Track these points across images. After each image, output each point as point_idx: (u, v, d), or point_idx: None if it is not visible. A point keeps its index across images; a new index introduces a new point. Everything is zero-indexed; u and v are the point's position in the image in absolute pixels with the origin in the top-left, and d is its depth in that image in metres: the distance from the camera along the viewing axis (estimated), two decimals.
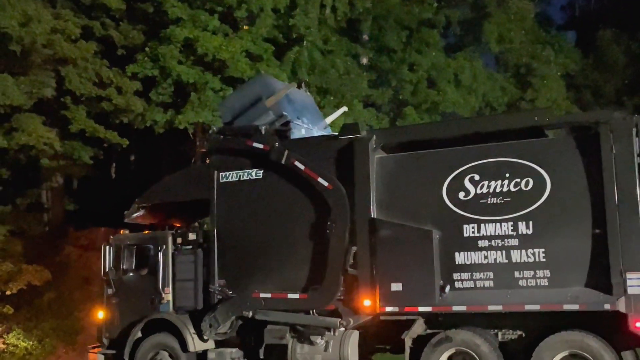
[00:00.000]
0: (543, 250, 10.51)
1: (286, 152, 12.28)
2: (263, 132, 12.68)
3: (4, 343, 19.43)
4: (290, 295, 12.12)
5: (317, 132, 13.93)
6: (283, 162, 12.32)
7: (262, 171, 12.71)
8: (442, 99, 24.87)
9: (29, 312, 20.45)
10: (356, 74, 24.41)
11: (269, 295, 12.28)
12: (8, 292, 19.47)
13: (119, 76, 21.10)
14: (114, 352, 13.53)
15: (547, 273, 10.47)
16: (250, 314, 12.33)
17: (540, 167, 10.68)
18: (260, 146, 12.57)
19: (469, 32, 28.65)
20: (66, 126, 21.20)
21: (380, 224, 11.48)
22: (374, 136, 11.94)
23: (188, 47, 21.06)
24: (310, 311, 12.03)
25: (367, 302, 11.46)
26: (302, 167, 12.24)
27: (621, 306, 9.91)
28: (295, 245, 12.26)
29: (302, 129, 13.43)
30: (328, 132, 14.46)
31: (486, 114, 25.90)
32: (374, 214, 11.59)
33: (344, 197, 11.77)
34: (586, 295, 10.15)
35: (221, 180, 13.05)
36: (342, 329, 11.82)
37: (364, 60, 26.25)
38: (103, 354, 13.70)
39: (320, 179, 12.03)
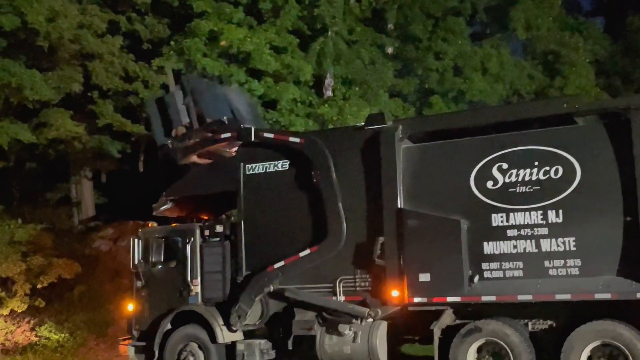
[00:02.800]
0: (573, 239, 10.40)
1: (252, 129, 12.93)
2: (226, 122, 13.31)
3: (36, 336, 19.69)
4: (302, 254, 12.21)
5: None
6: (253, 139, 12.91)
7: (288, 163, 12.75)
8: (469, 87, 24.60)
9: (60, 305, 20.70)
10: (381, 63, 24.28)
11: (282, 263, 12.35)
12: (39, 286, 19.72)
13: (145, 70, 21.23)
14: (144, 344, 13.64)
15: (578, 262, 10.36)
16: (272, 287, 12.39)
17: (570, 154, 10.56)
18: (228, 135, 13.13)
19: (495, 19, 28.30)
20: (94, 120, 21.41)
21: (408, 215, 11.43)
22: (400, 126, 11.89)
23: (213, 40, 21.11)
24: (338, 296, 12.02)
25: (395, 293, 11.44)
26: (271, 135, 13.00)
27: None
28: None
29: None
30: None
31: (514, 102, 25.62)
32: (401, 204, 11.55)
33: (318, 144, 12.25)
34: (618, 284, 10.03)
35: (247, 173, 13.10)
36: (371, 319, 11.79)
37: (390, 50, 26.09)
38: (133, 346, 13.82)
39: (291, 138, 12.63)
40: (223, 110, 13.73)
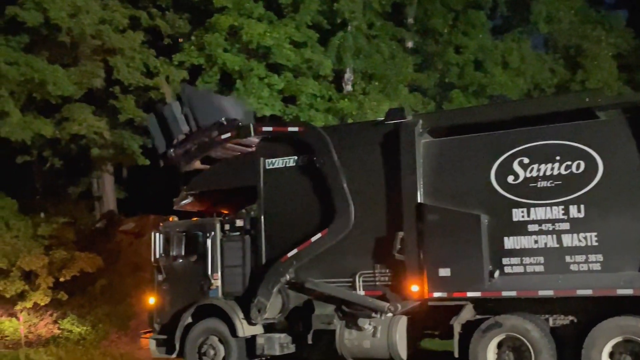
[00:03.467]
0: (595, 234, 10.31)
1: (251, 125, 13.23)
2: (225, 122, 13.53)
3: (58, 328, 19.92)
4: (313, 239, 12.24)
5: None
6: (253, 134, 13.13)
7: (307, 157, 12.76)
8: (490, 81, 24.45)
9: (82, 299, 20.90)
10: (401, 58, 24.19)
11: (295, 250, 12.40)
12: (62, 279, 19.93)
13: (166, 65, 21.33)
14: (165, 337, 13.73)
15: (600, 257, 10.28)
16: (288, 277, 12.45)
17: (592, 149, 10.46)
18: (228, 135, 13.31)
19: (516, 12, 28.05)
20: (115, 116, 21.53)
21: (428, 209, 11.41)
22: (420, 120, 11.85)
23: (233, 35, 21.15)
24: (358, 290, 12.03)
25: (414, 288, 11.43)
26: (270, 128, 13.33)
27: None
28: None
29: None
30: None
31: (535, 96, 25.41)
32: (421, 199, 11.51)
33: (318, 131, 12.52)
34: None
35: (267, 167, 13.13)
36: (390, 314, 11.79)
37: (409, 44, 25.99)
38: (154, 339, 13.92)
39: (290, 128, 12.94)
40: (219, 119, 13.85)
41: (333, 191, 12.23)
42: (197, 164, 13.96)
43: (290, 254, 12.45)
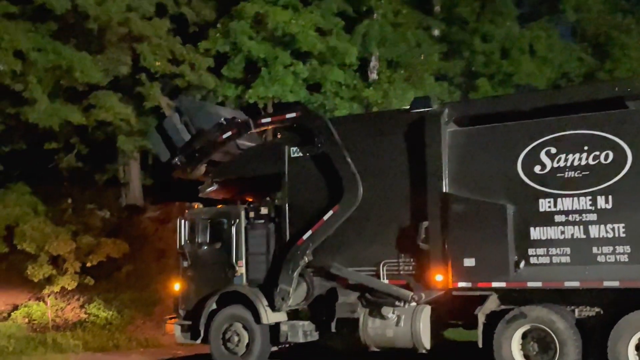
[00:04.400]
0: (623, 225, 10.17)
1: (250, 120, 13.51)
2: (224, 122, 13.74)
3: (85, 313, 20.17)
4: (326, 217, 12.32)
5: None
6: (253, 129, 13.52)
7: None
8: (516, 70, 24.21)
9: (108, 284, 21.15)
10: (427, 46, 24.03)
11: (310, 232, 12.45)
12: (88, 264, 20.17)
13: (191, 53, 21.38)
14: (189, 323, 13.82)
15: (627, 249, 10.14)
16: (306, 259, 12.51)
17: (621, 139, 10.30)
18: (229, 133, 13.54)
19: (544, 1, 27.78)
20: (141, 103, 21.63)
21: (453, 199, 11.34)
22: (446, 109, 11.76)
23: (258, 23, 21.13)
24: (382, 279, 12.00)
25: (439, 277, 11.38)
26: (268, 119, 13.72)
27: None
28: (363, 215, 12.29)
29: None
30: None
31: (563, 85, 25.12)
32: (446, 188, 11.44)
33: (313, 113, 12.90)
34: None
35: (292, 155, 13.13)
36: (414, 303, 11.76)
37: (435, 32, 25.79)
38: (179, 325, 14.02)
39: (287, 115, 13.07)
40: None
41: (339, 168, 12.32)
42: (203, 169, 14.15)
43: (305, 236, 12.50)
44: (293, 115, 13.08)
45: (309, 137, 12.83)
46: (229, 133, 13.57)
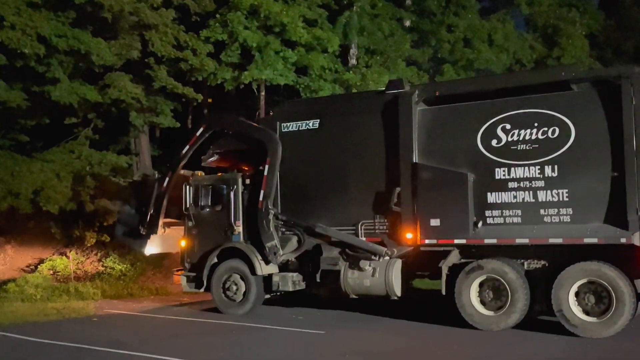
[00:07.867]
0: (567, 190, 10.36)
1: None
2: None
3: (102, 265, 20.16)
4: (265, 172, 12.93)
5: None
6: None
7: (318, 122, 12.76)
8: (477, 57, 24.16)
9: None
10: (400, 35, 23.92)
11: (262, 192, 12.92)
12: (105, 224, 20.13)
13: (194, 40, 21.15)
14: (194, 274, 13.93)
15: (570, 211, 10.34)
16: (273, 212, 12.83)
17: (566, 117, 10.44)
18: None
19: None
20: (150, 83, 21.44)
21: (422, 168, 11.45)
22: (417, 91, 11.81)
23: (253, 14, 20.92)
24: (360, 237, 12.15)
25: (409, 235, 11.54)
26: (186, 148, 14.08)
27: (636, 240, 9.80)
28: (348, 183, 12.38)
29: None
30: None
31: (516, 70, 25.16)
32: (416, 159, 11.54)
33: (211, 117, 14.74)
34: (604, 230, 10.03)
35: (283, 130, 13.13)
36: (387, 257, 11.92)
37: (407, 23, 25.64)
38: (185, 276, 14.13)
39: (197, 133, 14.05)
40: None
41: (256, 137, 13.23)
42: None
43: (260, 197, 12.87)
44: (201, 129, 13.95)
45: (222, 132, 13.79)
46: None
